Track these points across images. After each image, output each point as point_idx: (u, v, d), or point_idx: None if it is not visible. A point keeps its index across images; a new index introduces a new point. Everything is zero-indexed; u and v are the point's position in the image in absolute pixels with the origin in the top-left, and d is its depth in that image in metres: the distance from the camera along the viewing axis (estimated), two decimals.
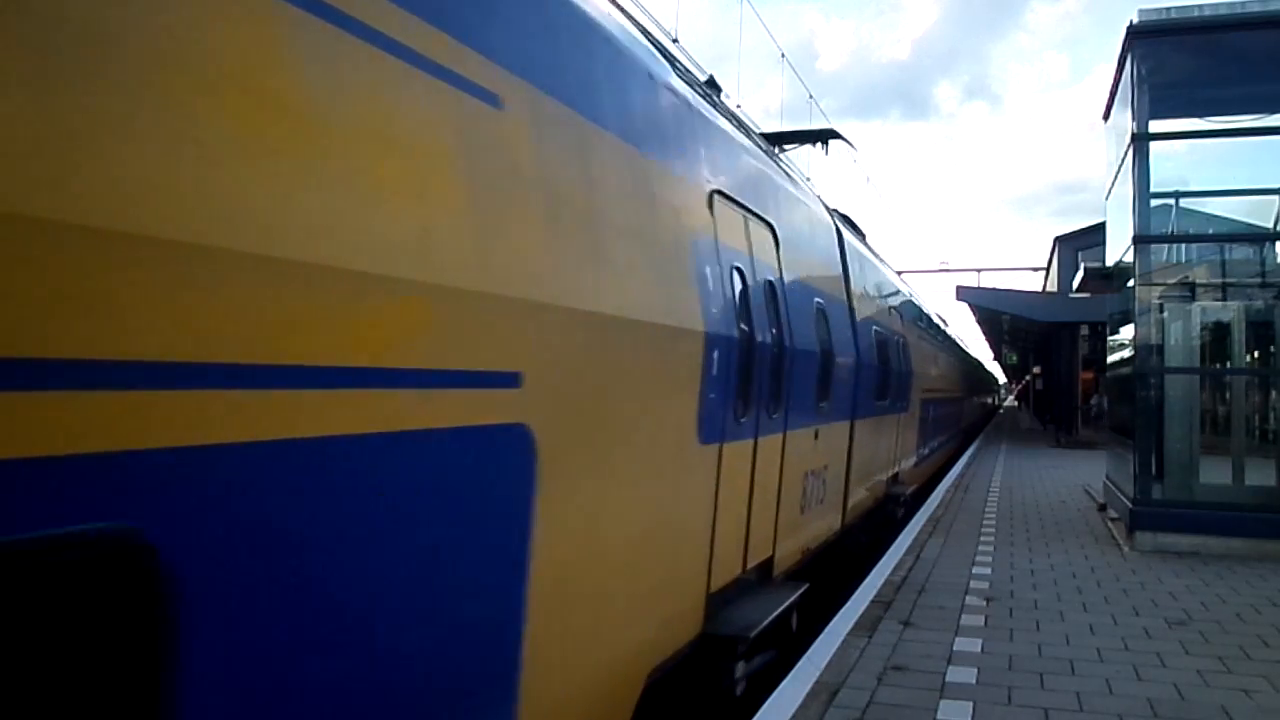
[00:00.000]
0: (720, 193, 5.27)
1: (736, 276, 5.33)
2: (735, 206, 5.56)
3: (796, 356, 6.44)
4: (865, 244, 12.45)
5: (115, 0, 1.65)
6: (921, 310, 18.50)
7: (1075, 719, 5.03)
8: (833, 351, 7.86)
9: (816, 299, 7.59)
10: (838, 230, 9.50)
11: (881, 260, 14.03)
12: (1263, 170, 11.86)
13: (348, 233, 2.18)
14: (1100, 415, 29.80)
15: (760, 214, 6.10)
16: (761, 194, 6.33)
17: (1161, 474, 10.79)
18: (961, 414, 29.20)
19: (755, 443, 5.65)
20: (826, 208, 9.60)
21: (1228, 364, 11.84)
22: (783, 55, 13.04)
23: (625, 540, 3.94)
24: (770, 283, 6.07)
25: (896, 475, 12.86)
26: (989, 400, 61.85)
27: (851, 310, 9.27)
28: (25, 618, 1.47)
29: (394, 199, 2.39)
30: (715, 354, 4.70)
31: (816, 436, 7.37)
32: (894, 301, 13.29)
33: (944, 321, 25.77)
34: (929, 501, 14.06)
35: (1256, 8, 10.11)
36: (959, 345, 32.20)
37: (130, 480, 1.60)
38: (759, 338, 5.60)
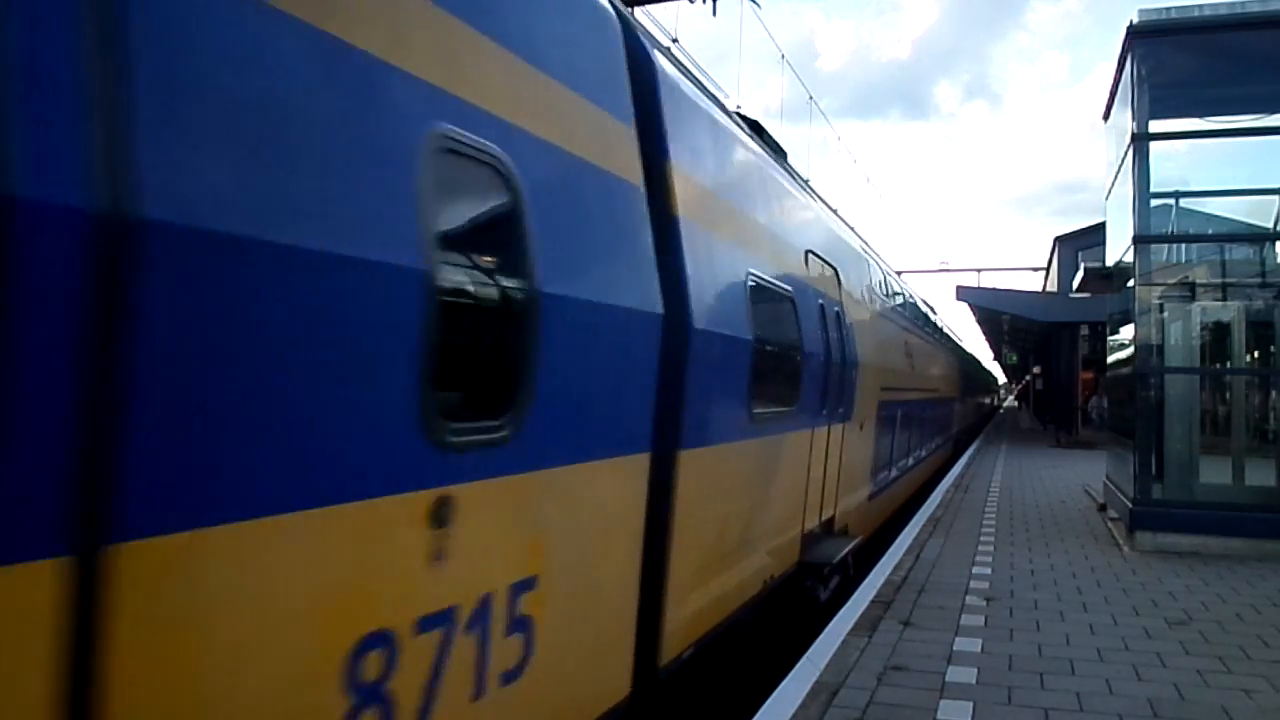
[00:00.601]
0: None
1: None
2: None
3: (311, 279, 2.28)
4: (783, 164, 8.01)
5: None
6: (885, 280, 13.18)
7: (1075, 719, 5.03)
8: (567, 295, 3.44)
9: (489, 149, 3.04)
10: (629, 37, 4.53)
11: (809, 191, 9.18)
12: (1263, 170, 11.87)
13: None
14: (1101, 420, 29.56)
15: None
16: None
17: (1161, 474, 10.80)
18: (951, 419, 23.89)
19: None
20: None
21: (1228, 364, 11.85)
22: (783, 57, 13.06)
23: None
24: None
25: (830, 523, 8.48)
26: (987, 401, 59.39)
27: (673, 223, 4.56)
28: None
29: None
30: None
31: (440, 515, 2.79)
32: (821, 250, 8.17)
33: (929, 307, 21.23)
34: (929, 501, 14.05)
35: (1256, 8, 10.11)
36: (947, 334, 26.54)
37: None
38: None
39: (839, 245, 9.43)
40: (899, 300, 14.41)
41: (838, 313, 8.48)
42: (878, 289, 11.90)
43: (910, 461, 14.70)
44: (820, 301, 7.73)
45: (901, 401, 12.88)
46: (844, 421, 8.64)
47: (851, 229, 11.91)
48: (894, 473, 12.84)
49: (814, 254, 7.86)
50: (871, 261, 11.87)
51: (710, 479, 5.10)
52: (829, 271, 8.40)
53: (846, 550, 8.11)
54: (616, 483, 4.08)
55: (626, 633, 4.25)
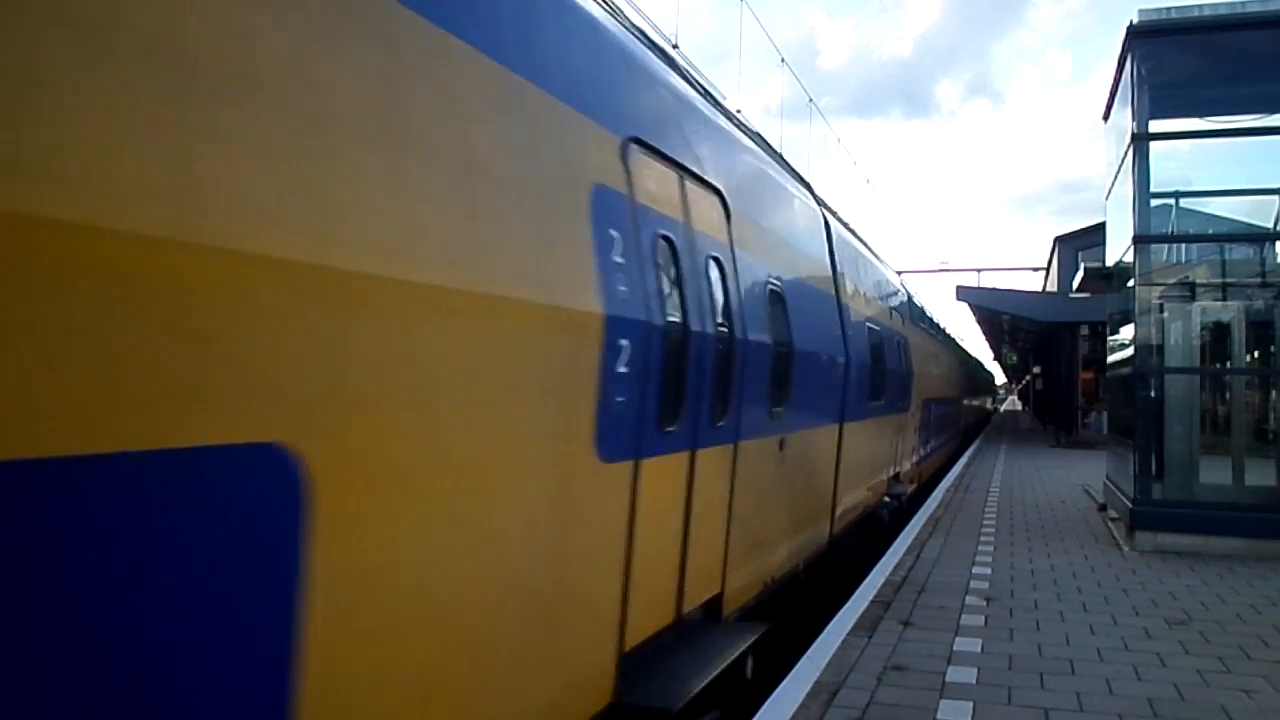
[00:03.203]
0: None
1: None
2: None
3: None
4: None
5: None
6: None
7: (1075, 719, 5.03)
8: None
9: None
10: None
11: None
12: (1263, 170, 11.88)
13: None
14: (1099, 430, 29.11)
15: None
16: None
17: (1161, 474, 10.80)
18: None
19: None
20: None
21: (1228, 364, 11.85)
22: (783, 60, 13.02)
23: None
24: None
25: None
26: (985, 402, 54.82)
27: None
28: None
29: None
30: None
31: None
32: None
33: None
34: (929, 502, 14.06)
35: (1256, 8, 10.11)
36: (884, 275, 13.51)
37: None
38: None
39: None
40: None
41: None
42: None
43: None
44: None
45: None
46: None
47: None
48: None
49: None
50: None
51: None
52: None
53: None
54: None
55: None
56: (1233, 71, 11.43)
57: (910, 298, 16.07)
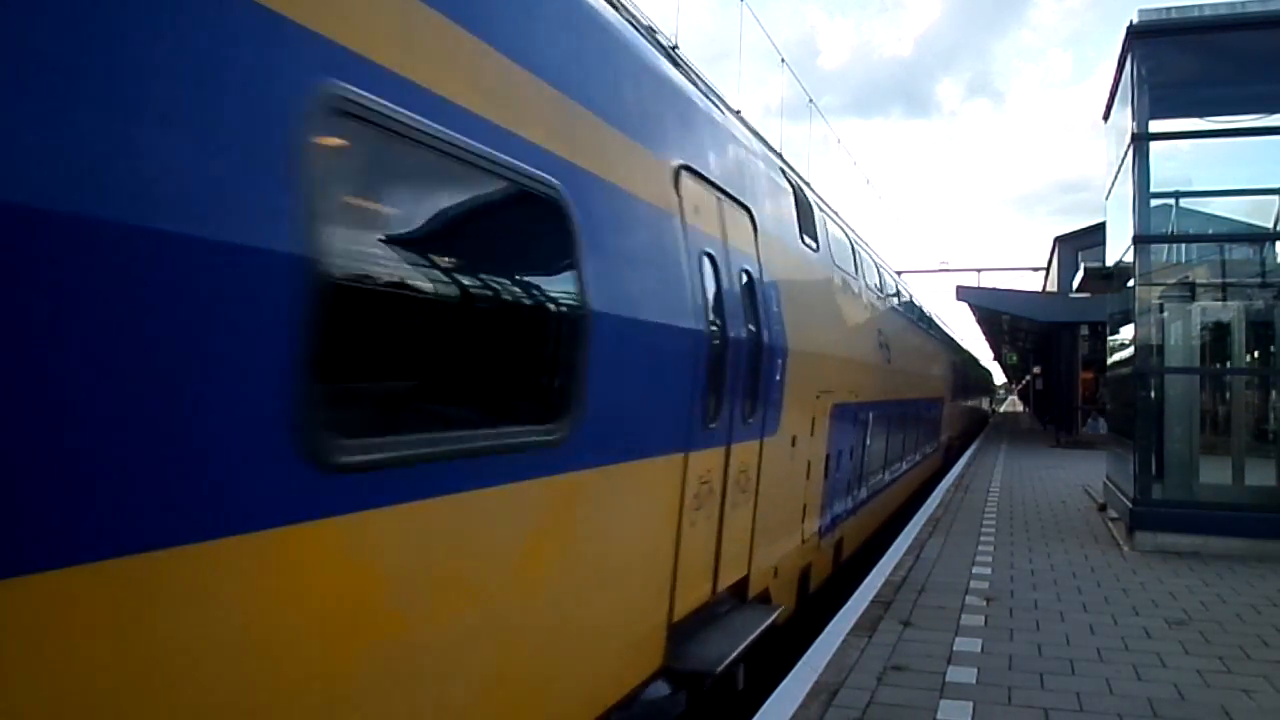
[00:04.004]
0: None
1: None
2: None
3: None
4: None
5: None
6: None
7: (1075, 719, 5.03)
8: None
9: None
10: None
11: None
12: (1263, 170, 11.88)
13: None
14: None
15: None
16: None
17: (1161, 474, 10.80)
18: None
19: None
20: None
21: (1228, 364, 11.85)
22: (783, 60, 13.02)
23: None
24: None
25: None
26: (981, 403, 51.25)
27: None
28: None
29: None
30: None
31: None
32: None
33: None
34: (928, 502, 14.06)
35: (1256, 8, 10.12)
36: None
37: None
38: None
39: None
40: None
41: None
42: None
43: None
44: None
45: None
46: None
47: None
48: None
49: None
50: None
51: None
52: None
53: None
54: None
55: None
56: (1233, 71, 11.43)
57: (806, 199, 8.00)
